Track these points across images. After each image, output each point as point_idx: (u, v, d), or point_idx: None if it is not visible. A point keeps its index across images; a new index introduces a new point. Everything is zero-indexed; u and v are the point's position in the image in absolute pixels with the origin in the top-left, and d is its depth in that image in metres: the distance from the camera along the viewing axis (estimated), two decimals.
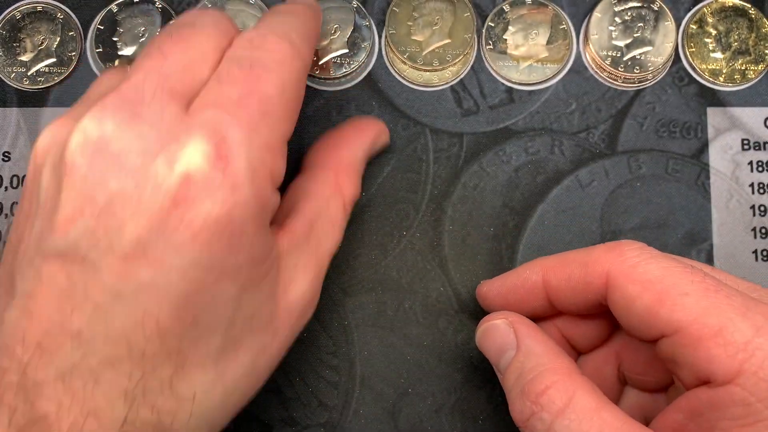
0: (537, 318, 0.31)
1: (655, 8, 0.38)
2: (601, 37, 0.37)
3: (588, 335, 0.31)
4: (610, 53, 0.37)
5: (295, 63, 0.27)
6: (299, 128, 0.37)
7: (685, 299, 0.25)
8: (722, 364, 0.24)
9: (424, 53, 0.37)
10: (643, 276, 0.26)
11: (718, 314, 0.24)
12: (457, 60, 0.37)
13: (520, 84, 0.37)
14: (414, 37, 0.37)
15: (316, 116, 0.37)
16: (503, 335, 0.28)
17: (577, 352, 0.32)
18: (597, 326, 0.31)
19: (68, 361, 0.23)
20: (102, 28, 0.37)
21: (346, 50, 0.37)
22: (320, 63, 0.37)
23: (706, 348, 0.24)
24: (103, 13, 0.37)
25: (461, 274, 0.36)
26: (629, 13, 0.38)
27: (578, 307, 0.29)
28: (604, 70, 0.37)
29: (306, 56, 0.28)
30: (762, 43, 0.38)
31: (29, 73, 0.37)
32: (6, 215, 0.36)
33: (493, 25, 0.38)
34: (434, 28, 0.37)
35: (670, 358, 0.26)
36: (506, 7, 0.38)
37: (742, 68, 0.37)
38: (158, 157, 0.24)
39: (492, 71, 0.37)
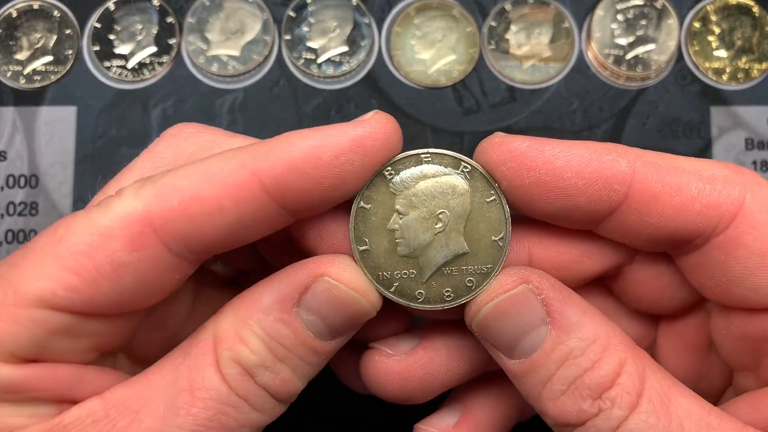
0: (572, 219, 0.22)
1: (658, 6, 0.37)
2: (603, 36, 0.37)
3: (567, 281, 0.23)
4: (612, 52, 0.37)
5: None
6: (297, 127, 0.36)
7: None
8: None
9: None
10: None
11: None
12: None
13: (523, 84, 0.37)
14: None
15: (314, 115, 0.36)
16: (529, 308, 0.20)
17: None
18: (587, 273, 0.23)
19: None
20: (99, 26, 0.37)
21: (346, 48, 0.37)
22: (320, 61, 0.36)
23: None
24: (100, 11, 0.37)
25: None
26: (632, 11, 0.37)
27: (651, 234, 0.21)
28: (607, 68, 0.37)
29: None
30: (766, 41, 0.37)
31: (25, 72, 0.36)
32: (2, 215, 0.36)
33: (494, 24, 0.37)
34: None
35: None
36: (508, 6, 0.37)
37: (746, 67, 0.37)
38: None
39: (494, 71, 0.37)
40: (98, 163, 0.36)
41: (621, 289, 0.25)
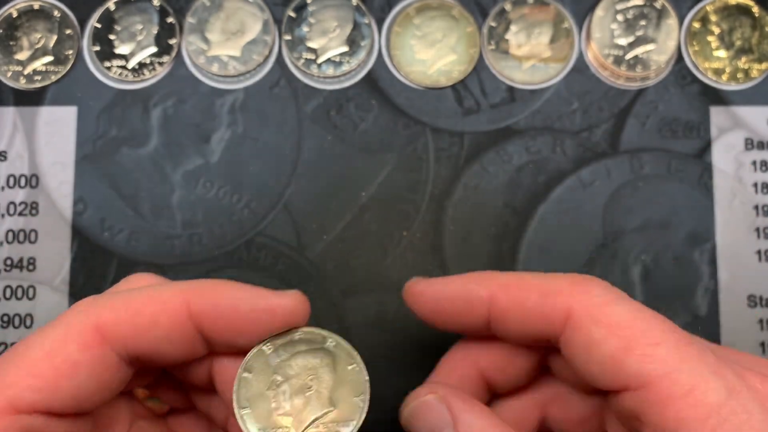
0: (468, 332, 0.28)
1: (658, 6, 0.37)
2: (603, 36, 0.37)
3: (514, 375, 0.28)
4: (612, 52, 0.37)
5: None
6: (297, 127, 0.36)
7: (657, 350, 0.23)
8: (693, 429, 0.21)
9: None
10: (610, 318, 0.24)
11: (690, 370, 0.22)
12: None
13: (522, 84, 0.37)
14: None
15: (314, 115, 0.36)
16: (436, 413, 0.25)
17: (490, 394, 0.29)
18: (526, 365, 0.28)
19: None
20: (99, 26, 0.37)
21: (346, 48, 0.37)
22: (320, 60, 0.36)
23: (676, 409, 0.21)
24: (100, 11, 0.37)
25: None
26: (631, 11, 0.37)
27: (520, 338, 0.26)
28: (606, 68, 0.37)
29: None
30: (765, 41, 0.37)
31: (26, 72, 0.37)
32: (2, 215, 0.36)
33: (494, 24, 0.37)
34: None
35: (630, 414, 0.23)
36: (508, 6, 0.37)
37: (746, 67, 0.37)
38: None
39: (494, 71, 0.37)
40: (99, 163, 0.36)
41: (559, 368, 0.28)
